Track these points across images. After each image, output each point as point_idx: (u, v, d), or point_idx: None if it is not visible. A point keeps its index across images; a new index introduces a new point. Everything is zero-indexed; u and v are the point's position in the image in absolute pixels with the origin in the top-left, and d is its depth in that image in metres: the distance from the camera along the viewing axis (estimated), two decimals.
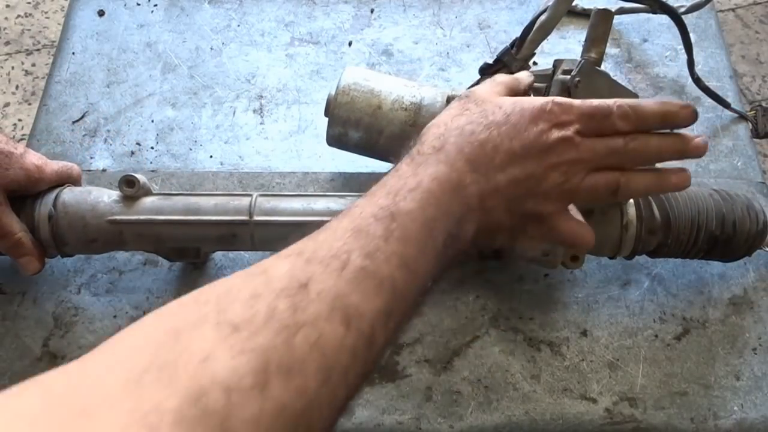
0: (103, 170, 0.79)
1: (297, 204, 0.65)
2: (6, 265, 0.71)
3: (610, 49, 0.88)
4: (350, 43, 0.90)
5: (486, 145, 0.50)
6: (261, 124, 0.83)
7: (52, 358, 0.67)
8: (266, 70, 0.87)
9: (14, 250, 0.64)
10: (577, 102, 0.51)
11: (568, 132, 0.51)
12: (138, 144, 0.81)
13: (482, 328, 0.69)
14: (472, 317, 0.70)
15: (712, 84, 0.85)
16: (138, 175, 0.65)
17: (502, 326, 0.69)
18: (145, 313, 0.70)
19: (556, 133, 0.50)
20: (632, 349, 0.68)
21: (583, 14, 0.90)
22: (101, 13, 0.91)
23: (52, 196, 0.66)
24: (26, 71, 1.81)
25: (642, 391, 0.66)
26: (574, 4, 0.88)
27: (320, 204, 0.65)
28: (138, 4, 0.93)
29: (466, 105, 0.53)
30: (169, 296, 0.70)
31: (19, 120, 1.74)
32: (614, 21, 0.91)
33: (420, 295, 0.44)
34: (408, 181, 0.47)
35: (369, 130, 0.68)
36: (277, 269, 0.39)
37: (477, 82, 0.63)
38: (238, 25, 0.91)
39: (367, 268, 0.40)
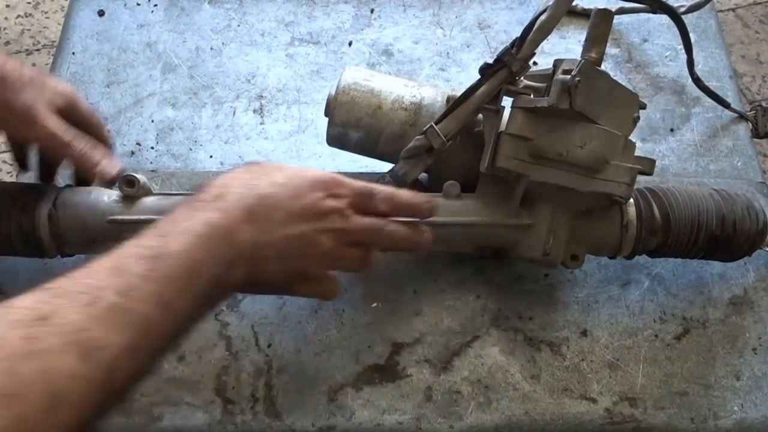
0: None
1: None
2: (6, 265, 0.71)
3: (610, 49, 0.89)
4: (350, 43, 0.90)
5: (267, 199, 0.53)
6: (261, 124, 0.83)
7: None
8: (266, 70, 0.87)
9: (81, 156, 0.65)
10: (349, 179, 0.58)
11: (341, 204, 0.56)
12: (138, 144, 0.81)
13: (482, 328, 0.69)
14: (472, 317, 0.70)
15: (712, 84, 0.85)
16: (138, 175, 0.65)
17: (502, 326, 0.69)
18: None
19: (331, 202, 0.55)
20: (632, 349, 0.68)
21: (583, 14, 0.90)
22: (101, 13, 0.91)
23: (52, 195, 0.66)
24: None
25: (642, 391, 0.66)
26: (574, 3, 0.88)
27: None
28: (138, 4, 0.93)
29: (251, 167, 0.56)
30: None
31: None
32: (614, 21, 0.91)
33: (178, 332, 0.47)
34: (180, 225, 0.50)
35: (369, 130, 0.69)
36: (20, 301, 0.41)
37: (477, 83, 0.63)
38: (238, 25, 0.91)
39: (117, 304, 0.43)
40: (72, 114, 0.66)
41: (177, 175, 0.78)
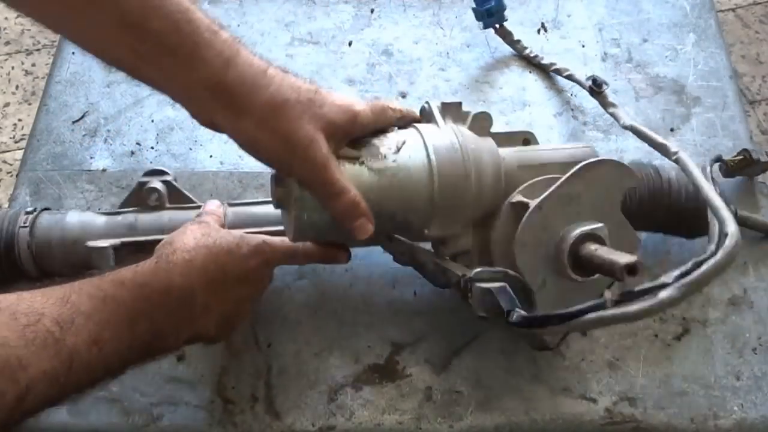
0: (103, 170, 0.79)
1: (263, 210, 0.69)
2: None
3: (611, 49, 0.89)
4: (350, 43, 0.90)
5: (224, 269, 0.59)
6: None
7: None
8: None
9: (349, 211, 0.55)
10: (277, 242, 0.63)
11: (271, 265, 0.64)
12: (138, 144, 0.81)
13: (482, 328, 0.69)
14: (472, 317, 0.70)
15: (712, 84, 0.85)
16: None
17: (502, 326, 0.69)
18: None
19: (264, 269, 0.63)
20: (632, 349, 0.68)
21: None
22: None
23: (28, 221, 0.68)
24: (26, 71, 1.81)
25: (642, 391, 0.66)
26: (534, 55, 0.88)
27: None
28: None
29: (209, 231, 0.61)
30: None
31: (19, 120, 1.74)
32: (615, 22, 0.91)
33: (106, 373, 0.51)
34: (140, 278, 0.55)
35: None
36: None
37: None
38: (238, 25, 0.91)
39: (52, 333, 0.46)
40: (354, 131, 0.57)
41: (177, 174, 0.78)
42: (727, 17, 1.84)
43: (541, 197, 0.57)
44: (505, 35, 0.88)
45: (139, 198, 0.70)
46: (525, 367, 0.67)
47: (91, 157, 0.80)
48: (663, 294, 0.45)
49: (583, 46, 0.89)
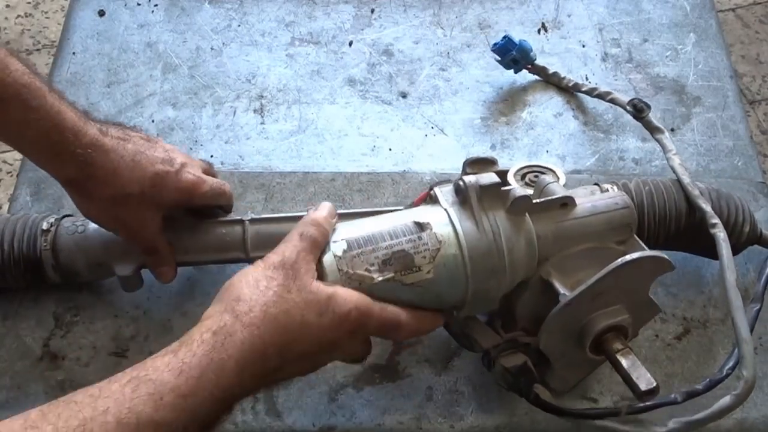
0: None
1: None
2: None
3: (611, 49, 0.89)
4: (350, 43, 0.90)
5: (298, 342, 0.50)
6: (261, 123, 0.83)
7: (53, 358, 0.67)
8: (267, 70, 0.88)
9: (155, 262, 0.66)
10: (378, 309, 0.53)
11: (362, 338, 0.55)
12: None
13: None
14: None
15: (712, 84, 0.85)
16: None
17: None
18: (145, 314, 0.71)
19: (351, 342, 0.54)
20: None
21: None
22: (101, 13, 0.91)
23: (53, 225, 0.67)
24: None
25: None
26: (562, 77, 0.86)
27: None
28: (138, 4, 0.93)
29: (287, 286, 0.51)
30: (170, 296, 0.70)
31: None
32: (615, 22, 0.91)
33: None
34: (186, 385, 0.45)
35: None
36: (6, 426, 0.39)
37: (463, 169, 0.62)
38: (239, 25, 0.91)
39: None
40: (193, 202, 0.66)
41: None
42: (727, 17, 1.84)
43: (571, 295, 0.56)
44: (540, 72, 0.86)
45: None
46: None
47: None
48: (664, 429, 0.59)
49: (584, 46, 0.89)
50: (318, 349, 0.52)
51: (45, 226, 0.66)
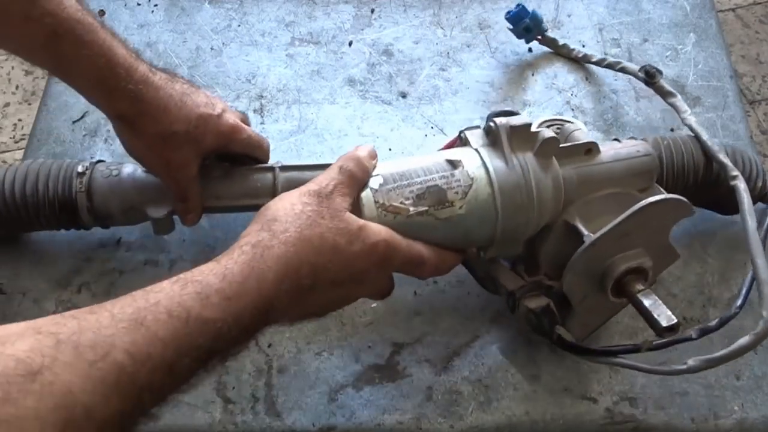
0: None
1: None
2: (6, 265, 0.72)
3: (611, 49, 0.89)
4: (350, 43, 0.90)
5: (326, 267, 0.51)
6: (261, 123, 0.83)
7: None
8: (266, 70, 0.88)
9: (184, 209, 0.68)
10: (405, 245, 0.55)
11: (388, 272, 0.56)
12: None
13: (482, 328, 0.69)
14: (472, 317, 0.70)
15: (712, 84, 0.85)
16: None
17: (502, 326, 0.69)
18: None
19: (378, 274, 0.55)
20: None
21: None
22: (102, 13, 0.91)
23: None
24: (26, 71, 1.81)
25: (642, 391, 0.66)
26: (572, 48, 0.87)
27: None
28: (138, 4, 0.93)
29: (321, 212, 0.52)
30: None
31: (19, 120, 1.74)
32: (615, 22, 0.91)
33: (177, 392, 0.44)
34: (230, 289, 0.46)
35: None
36: (16, 346, 0.36)
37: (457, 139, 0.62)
38: (239, 25, 0.91)
39: (124, 368, 0.39)
40: (231, 147, 0.68)
41: None
42: (727, 17, 1.84)
43: (597, 235, 0.57)
44: (550, 43, 0.88)
45: None
46: (525, 367, 0.67)
47: (92, 157, 0.80)
48: (684, 366, 0.59)
49: (584, 46, 0.89)
50: (348, 277, 0.52)
51: (80, 169, 0.68)
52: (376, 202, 0.55)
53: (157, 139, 0.63)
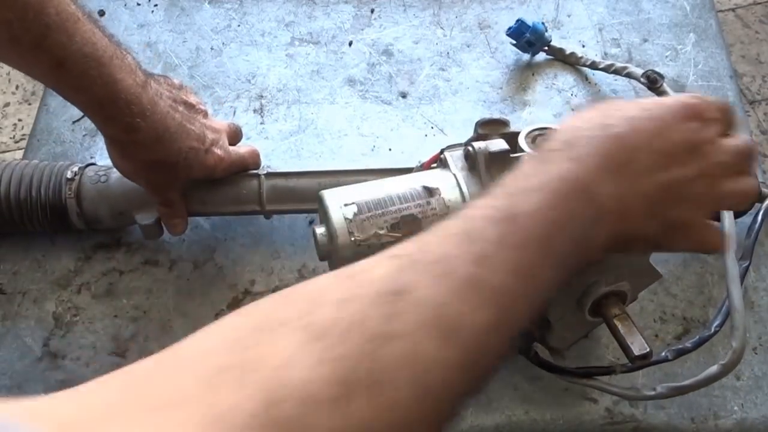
0: None
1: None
2: (6, 265, 0.72)
3: (611, 49, 0.89)
4: (350, 43, 0.90)
5: (626, 141, 0.45)
6: (261, 123, 0.83)
7: (53, 358, 0.67)
8: (266, 70, 0.88)
9: (169, 214, 0.70)
10: (713, 97, 0.49)
11: (712, 132, 0.47)
12: None
13: None
14: None
15: (712, 84, 0.85)
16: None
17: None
18: (145, 314, 0.71)
19: (705, 133, 0.46)
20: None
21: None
22: (101, 13, 0.91)
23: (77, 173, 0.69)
24: None
25: (642, 390, 0.66)
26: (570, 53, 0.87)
27: None
28: (138, 4, 0.93)
29: (597, 105, 0.47)
30: (169, 296, 0.70)
31: (19, 120, 1.74)
32: (615, 21, 0.91)
33: (536, 305, 0.40)
34: (530, 181, 0.43)
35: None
36: (373, 272, 0.36)
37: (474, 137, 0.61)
38: (239, 25, 0.91)
39: (473, 276, 0.37)
40: (214, 176, 0.70)
41: None
42: (727, 17, 1.84)
43: None
44: (557, 53, 0.87)
45: None
46: (525, 367, 0.67)
47: (92, 157, 0.80)
48: (652, 393, 0.60)
49: (583, 46, 0.89)
50: (658, 156, 0.45)
51: (69, 174, 0.69)
52: (350, 233, 0.54)
53: (144, 165, 0.65)
